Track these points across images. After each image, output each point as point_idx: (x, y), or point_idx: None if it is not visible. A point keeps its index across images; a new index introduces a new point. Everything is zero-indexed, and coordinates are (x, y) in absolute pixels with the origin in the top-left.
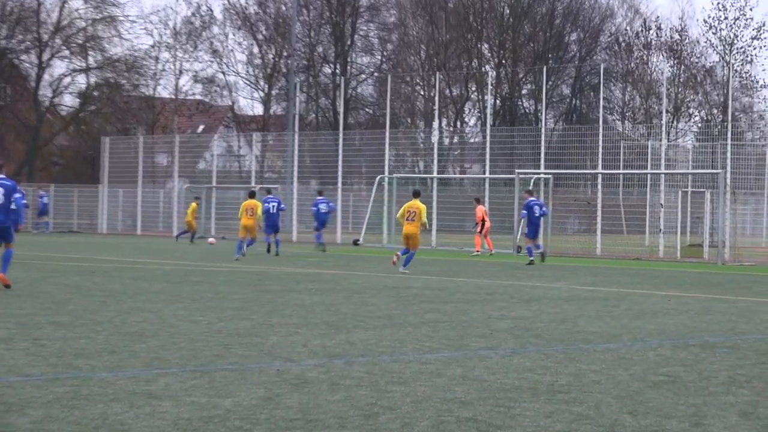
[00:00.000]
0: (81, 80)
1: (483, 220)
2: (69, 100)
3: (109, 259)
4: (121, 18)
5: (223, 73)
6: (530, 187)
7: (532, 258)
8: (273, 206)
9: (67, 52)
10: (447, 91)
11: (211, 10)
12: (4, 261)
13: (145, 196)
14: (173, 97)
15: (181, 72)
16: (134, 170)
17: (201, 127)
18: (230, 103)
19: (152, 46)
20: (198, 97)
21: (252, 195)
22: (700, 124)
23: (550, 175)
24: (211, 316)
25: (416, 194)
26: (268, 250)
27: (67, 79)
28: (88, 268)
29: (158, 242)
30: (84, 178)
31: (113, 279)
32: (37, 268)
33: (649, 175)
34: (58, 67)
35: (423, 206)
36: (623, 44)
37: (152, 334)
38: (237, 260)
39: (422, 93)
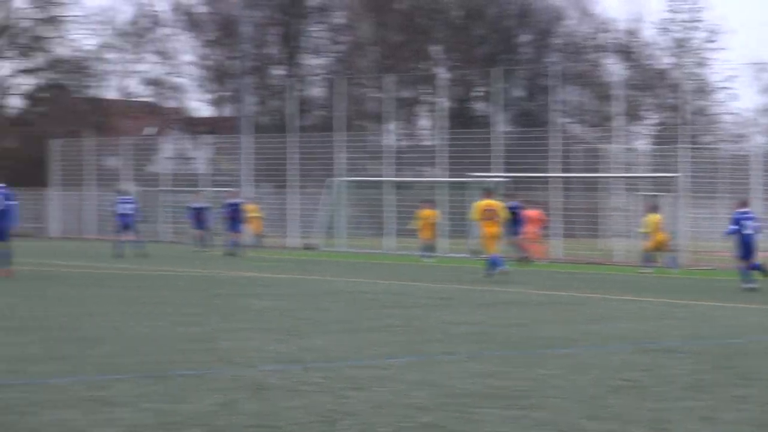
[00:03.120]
0: (27, 81)
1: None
2: (15, 102)
3: (60, 263)
4: (66, 18)
5: (172, 74)
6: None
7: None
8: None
9: (12, 53)
10: (399, 93)
11: (158, 11)
12: (5, 258)
13: (96, 200)
14: (121, 99)
15: (128, 73)
16: (83, 173)
17: (150, 130)
18: (179, 105)
19: (98, 47)
20: (146, 98)
21: (489, 193)
22: (655, 127)
23: (504, 178)
24: (166, 321)
25: (653, 209)
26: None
27: (13, 80)
28: (39, 272)
29: (109, 246)
30: (32, 181)
31: (66, 284)
32: None
33: (603, 179)
34: (3, 68)
35: (658, 216)
36: (575, 46)
37: (107, 340)
38: (503, 273)
39: (374, 95)
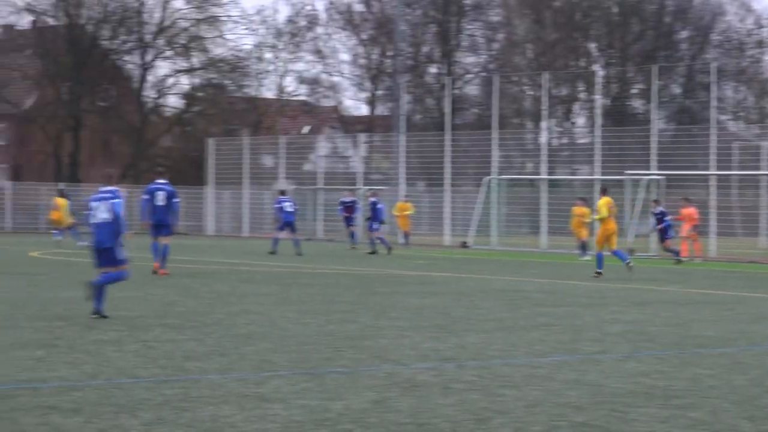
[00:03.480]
0: (185, 81)
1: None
2: (173, 101)
3: (216, 261)
4: (224, 18)
5: (328, 73)
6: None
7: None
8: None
9: (170, 53)
10: (555, 91)
11: (315, 10)
12: (162, 256)
13: (252, 198)
14: (277, 97)
15: (285, 72)
16: (240, 171)
17: (306, 128)
18: (335, 104)
19: (255, 47)
20: (302, 97)
21: (605, 191)
22: None
23: (661, 176)
24: (320, 318)
25: None
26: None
27: (171, 80)
28: (197, 270)
29: (266, 244)
30: (189, 180)
31: (222, 281)
32: (146, 270)
33: (763, 176)
34: (162, 68)
35: None
36: (735, 42)
37: (261, 337)
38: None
39: (530, 93)
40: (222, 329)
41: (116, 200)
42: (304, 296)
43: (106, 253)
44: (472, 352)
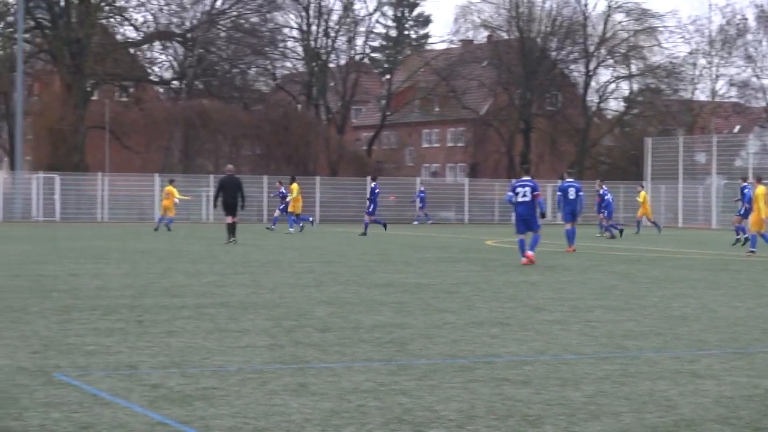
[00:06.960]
0: (624, 86)
1: None
2: (613, 105)
3: (651, 249)
4: (661, 28)
5: (757, 76)
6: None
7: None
8: None
9: (611, 61)
10: None
11: (745, 18)
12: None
13: (685, 192)
14: (710, 99)
15: (717, 77)
16: (674, 168)
17: (737, 128)
18: (764, 104)
19: (689, 54)
20: (734, 99)
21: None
22: None
23: None
24: (749, 302)
25: None
26: None
27: (612, 86)
28: (633, 257)
29: (698, 234)
30: (628, 176)
31: (656, 267)
32: (585, 257)
33: None
34: (603, 75)
35: None
36: None
37: (694, 318)
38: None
39: None
40: (657, 311)
41: None
42: (734, 281)
43: None
44: None
